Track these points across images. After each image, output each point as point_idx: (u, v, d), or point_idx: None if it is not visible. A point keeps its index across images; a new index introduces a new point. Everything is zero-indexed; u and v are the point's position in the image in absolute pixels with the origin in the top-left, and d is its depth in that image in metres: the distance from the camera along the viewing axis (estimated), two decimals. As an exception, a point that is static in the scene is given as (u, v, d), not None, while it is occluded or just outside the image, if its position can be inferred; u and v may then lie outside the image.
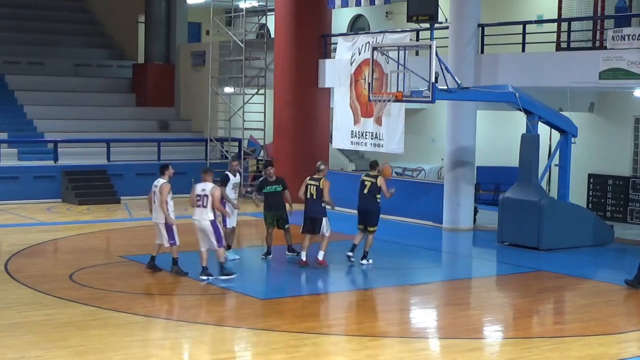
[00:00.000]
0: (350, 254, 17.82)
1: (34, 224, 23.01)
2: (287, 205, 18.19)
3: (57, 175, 27.55)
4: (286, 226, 18.31)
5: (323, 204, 17.50)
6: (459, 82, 19.60)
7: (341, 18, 33.16)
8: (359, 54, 25.16)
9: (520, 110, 20.23)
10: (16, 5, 36.38)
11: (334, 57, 26.66)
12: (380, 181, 17.67)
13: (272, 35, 29.54)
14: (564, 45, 23.03)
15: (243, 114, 29.79)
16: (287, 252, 18.51)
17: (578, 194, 23.77)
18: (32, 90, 31.73)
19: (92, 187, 27.32)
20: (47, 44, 34.83)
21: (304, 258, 17.40)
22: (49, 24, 36.15)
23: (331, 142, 27.42)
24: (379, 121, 24.29)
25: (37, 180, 27.33)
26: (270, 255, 18.42)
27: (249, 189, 29.48)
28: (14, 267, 17.05)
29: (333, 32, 28.26)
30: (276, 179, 18.35)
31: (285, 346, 12.04)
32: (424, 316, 14.68)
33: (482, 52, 22.81)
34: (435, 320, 14.34)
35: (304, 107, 26.98)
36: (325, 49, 27.29)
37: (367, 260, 17.67)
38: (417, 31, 23.45)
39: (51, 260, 18.63)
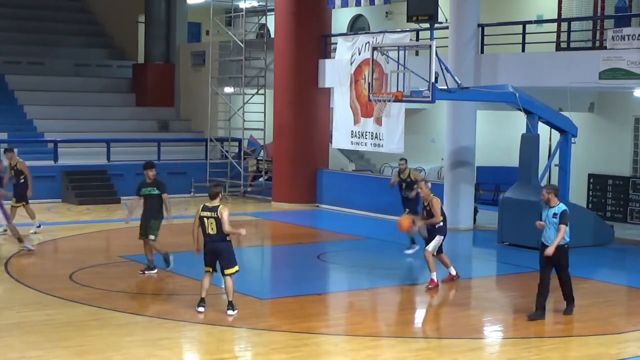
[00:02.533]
0: (201, 309, 13.76)
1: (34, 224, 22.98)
2: (164, 212, 16.49)
3: (57, 175, 27.55)
4: (150, 237, 16.41)
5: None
6: (459, 82, 19.61)
7: (341, 18, 33.17)
8: (359, 54, 25.18)
9: (520, 110, 20.24)
10: (16, 5, 36.38)
11: (334, 57, 26.67)
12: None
13: (272, 35, 29.55)
14: (563, 45, 23.07)
15: (243, 114, 29.80)
16: (144, 271, 16.60)
17: (578, 194, 23.78)
18: (32, 90, 31.72)
19: (92, 187, 27.33)
20: (47, 44, 34.83)
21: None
22: (49, 23, 36.15)
23: (331, 142, 27.44)
24: (378, 121, 24.30)
25: (37, 180, 27.20)
26: (155, 271, 16.53)
27: (249, 189, 29.58)
28: (14, 267, 17.06)
29: (333, 32, 28.27)
30: (153, 181, 16.56)
31: (285, 346, 12.05)
32: (423, 316, 14.69)
33: (482, 52, 22.82)
34: (435, 320, 14.35)
35: (304, 107, 26.99)
36: (325, 49, 27.30)
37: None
38: (417, 31, 23.45)
39: (51, 260, 18.64)
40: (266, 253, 21.16)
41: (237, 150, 30.84)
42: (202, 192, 28.84)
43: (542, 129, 21.09)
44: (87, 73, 34.40)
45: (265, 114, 29.85)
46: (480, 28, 22.72)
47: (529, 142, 20.43)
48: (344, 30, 32.88)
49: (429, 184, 16.30)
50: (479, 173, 25.16)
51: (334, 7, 26.16)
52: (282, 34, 27.33)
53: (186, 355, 12.08)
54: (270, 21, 30.38)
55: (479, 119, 23.42)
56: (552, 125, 21.42)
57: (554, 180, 21.66)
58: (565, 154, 20.90)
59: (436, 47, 18.45)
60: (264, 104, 29.87)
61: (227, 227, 13.44)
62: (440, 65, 19.08)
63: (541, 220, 13.66)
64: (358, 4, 25.43)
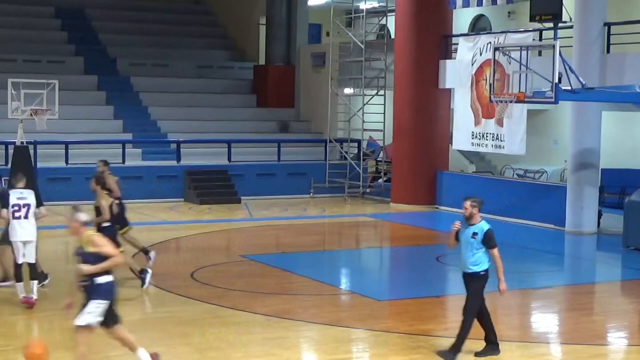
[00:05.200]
0: None
1: (157, 223, 23.48)
2: None
3: (180, 175, 28.03)
4: None
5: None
6: (584, 82, 19.16)
7: (462, 18, 32.82)
8: (480, 54, 24.85)
9: (648, 111, 19.66)
10: (141, 8, 37.19)
11: (455, 58, 26.41)
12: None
13: (392, 36, 29.44)
14: (694, 43, 22.29)
15: (362, 114, 29.78)
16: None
17: None
18: (156, 92, 32.36)
19: (213, 187, 27.70)
20: (171, 47, 35.48)
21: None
22: (173, 26, 36.83)
23: (451, 143, 27.18)
24: (500, 122, 23.96)
25: (160, 180, 27.87)
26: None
27: (368, 190, 29.53)
28: (137, 265, 17.37)
29: (454, 32, 28.00)
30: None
31: (402, 348, 11.96)
32: (545, 321, 14.40)
33: (608, 51, 22.25)
34: (556, 325, 14.05)
35: (424, 108, 26.80)
36: (446, 50, 27.06)
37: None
38: (540, 31, 23.03)
39: (173, 259, 18.94)
40: (385, 254, 21.08)
41: (356, 151, 30.84)
42: (321, 193, 29.00)
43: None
44: (209, 74, 34.91)
45: (385, 115, 29.76)
46: (606, 27, 22.16)
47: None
48: (466, 31, 32.51)
49: None
50: (604, 175, 24.54)
51: (455, 8, 25.89)
52: (403, 34, 27.21)
53: (304, 355, 12.11)
54: (391, 22, 30.25)
55: (604, 120, 22.85)
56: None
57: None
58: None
59: (560, 47, 18.08)
60: (384, 104, 29.78)
61: None
62: (564, 66, 18.68)
63: (457, 239, 11.47)
64: (480, 3, 25.10)
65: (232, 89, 34.28)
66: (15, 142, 24.44)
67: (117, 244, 14.62)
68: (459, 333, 11.33)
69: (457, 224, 11.41)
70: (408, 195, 26.86)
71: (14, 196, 14.24)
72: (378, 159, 31.50)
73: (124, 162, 27.62)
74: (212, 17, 38.63)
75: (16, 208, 14.15)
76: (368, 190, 29.61)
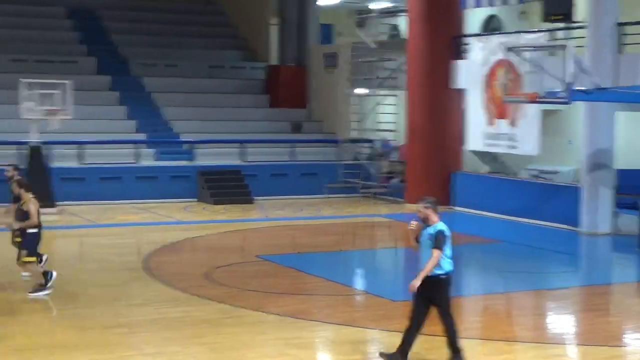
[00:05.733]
0: None
1: (172, 223, 23.52)
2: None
3: (193, 175, 28.07)
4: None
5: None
6: (597, 82, 19.10)
7: (474, 18, 32.75)
8: (493, 54, 24.80)
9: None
10: (153, 9, 37.24)
11: (467, 58, 26.37)
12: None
13: (404, 37, 29.42)
14: None
15: (375, 115, 29.76)
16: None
17: None
18: (168, 92, 32.39)
19: (226, 187, 27.72)
20: (183, 47, 35.51)
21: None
22: (185, 27, 36.84)
23: (464, 144, 27.14)
24: (513, 122, 23.92)
25: (174, 180, 27.92)
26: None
27: (380, 191, 29.49)
28: (153, 264, 17.43)
29: (466, 32, 27.96)
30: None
31: (419, 350, 11.92)
32: (560, 322, 14.36)
33: (622, 51, 22.18)
34: (572, 326, 14.01)
35: (437, 108, 26.76)
36: (458, 50, 27.02)
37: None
38: (553, 31, 22.97)
39: (187, 259, 18.97)
40: (399, 255, 21.06)
41: (369, 152, 30.82)
42: (334, 193, 28.98)
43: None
44: (220, 75, 34.91)
45: (398, 116, 29.73)
46: (619, 27, 22.09)
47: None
48: (477, 31, 32.45)
49: None
50: (619, 176, 24.44)
51: (466, 8, 25.86)
52: (415, 35, 27.17)
53: (318, 355, 12.10)
54: (403, 22, 30.24)
55: (620, 120, 22.78)
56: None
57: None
58: None
59: (573, 47, 18.02)
60: (397, 105, 29.75)
61: None
62: (577, 66, 18.62)
63: (417, 241, 11.08)
64: (491, 3, 25.09)
65: (244, 89, 34.28)
66: (29, 142, 24.54)
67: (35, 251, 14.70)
68: (447, 338, 11.07)
69: (413, 224, 11.02)
70: (422, 195, 26.68)
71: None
72: (391, 160, 31.46)
73: (137, 162, 27.71)
74: (223, 17, 38.63)
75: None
76: (381, 190, 29.59)
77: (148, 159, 28.52)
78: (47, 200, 24.09)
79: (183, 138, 29.71)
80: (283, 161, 29.63)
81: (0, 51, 31.43)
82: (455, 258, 18.53)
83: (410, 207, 26.70)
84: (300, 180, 29.20)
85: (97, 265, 17.68)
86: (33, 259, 14.64)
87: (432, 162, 26.67)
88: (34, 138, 24.55)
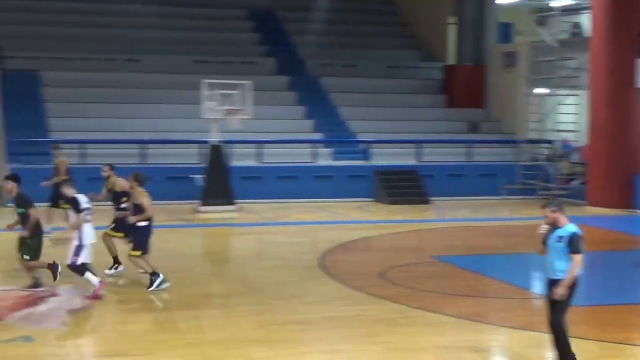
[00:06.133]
0: None
1: (348, 222, 23.61)
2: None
3: (369, 175, 28.13)
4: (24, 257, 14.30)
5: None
6: None
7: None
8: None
9: None
10: (331, 10, 37.53)
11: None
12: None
13: (586, 35, 28.57)
14: None
15: (555, 115, 29.03)
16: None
17: None
18: (345, 92, 32.59)
19: (402, 187, 27.65)
20: (360, 47, 35.66)
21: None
22: (362, 27, 37.01)
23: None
24: None
25: (350, 180, 28.07)
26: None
27: (560, 193, 28.72)
28: (329, 263, 17.51)
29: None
30: (16, 196, 14.30)
31: (597, 356, 11.55)
32: None
33: None
34: None
35: (621, 108, 25.91)
36: (643, 47, 26.06)
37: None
38: None
39: (362, 258, 18.97)
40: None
41: (548, 153, 30.11)
42: (511, 194, 28.47)
43: None
44: (397, 75, 34.87)
45: (578, 116, 28.91)
46: None
47: None
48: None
49: None
50: None
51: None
52: (598, 32, 26.38)
53: (494, 359, 11.84)
54: (585, 20, 29.39)
55: None
56: None
57: None
58: None
59: None
60: (578, 105, 28.93)
61: None
62: None
63: (545, 244, 10.57)
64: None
65: (420, 89, 34.13)
66: (210, 141, 25.16)
67: (145, 246, 14.70)
68: (555, 341, 10.49)
69: (544, 227, 10.55)
70: (604, 198, 26.01)
71: (83, 200, 14.21)
72: (572, 161, 30.62)
73: (314, 161, 28.02)
74: (400, 17, 38.59)
75: (87, 212, 14.15)
76: (561, 192, 28.83)
77: (325, 159, 28.77)
78: (226, 198, 24.72)
79: (360, 138, 29.82)
80: (459, 161, 29.32)
81: (183, 53, 32.43)
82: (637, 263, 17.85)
83: (591, 210, 25.97)
84: (477, 180, 28.83)
85: (274, 262, 17.93)
86: (138, 253, 14.72)
87: (615, 164, 25.82)
88: (214, 137, 25.16)
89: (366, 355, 11.46)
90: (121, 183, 15.88)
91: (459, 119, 32.46)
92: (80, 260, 13.93)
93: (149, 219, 14.75)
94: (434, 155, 29.30)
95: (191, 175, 25.61)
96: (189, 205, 25.03)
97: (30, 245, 14.11)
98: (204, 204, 24.76)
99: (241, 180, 26.50)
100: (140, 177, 14.90)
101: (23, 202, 14.07)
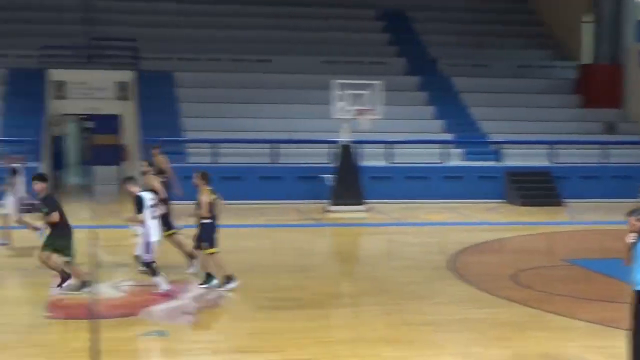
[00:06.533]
0: None
1: (477, 223, 23.34)
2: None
3: (500, 175, 27.75)
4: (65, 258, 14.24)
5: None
6: None
7: None
8: None
9: None
10: (462, 9, 37.21)
11: None
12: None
13: None
14: None
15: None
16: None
17: None
18: (476, 92, 32.25)
19: (535, 188, 27.19)
20: (491, 47, 35.23)
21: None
22: (493, 26, 36.57)
23: None
24: None
25: (480, 180, 27.74)
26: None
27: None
28: (459, 264, 17.33)
29: None
30: (44, 197, 14.12)
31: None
32: None
33: None
34: None
35: None
36: None
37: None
38: None
39: (493, 260, 18.69)
40: None
41: None
42: (649, 197, 27.63)
43: None
44: (529, 74, 34.32)
45: None
46: None
47: None
48: None
49: None
50: None
51: None
52: None
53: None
54: None
55: None
56: None
57: None
58: None
59: None
60: None
61: None
62: None
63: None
64: None
65: (552, 89, 33.50)
66: (340, 141, 25.23)
67: (211, 242, 14.61)
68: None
69: (631, 237, 9.84)
70: None
71: (149, 197, 14.20)
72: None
73: (444, 162, 27.80)
74: (533, 16, 37.97)
75: (154, 209, 14.16)
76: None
77: (455, 159, 28.52)
78: (356, 198, 24.75)
79: (491, 138, 29.44)
80: (594, 163, 28.62)
81: (313, 53, 32.64)
82: None
83: None
84: (613, 182, 28.12)
85: (403, 262, 17.85)
86: (214, 250, 14.68)
87: None
88: (344, 137, 25.22)
89: (493, 359, 11.25)
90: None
91: (594, 119, 31.70)
92: (149, 258, 14.10)
93: (210, 217, 14.74)
94: (567, 157, 28.71)
95: (321, 175, 25.75)
96: (318, 205, 25.16)
97: (65, 245, 13.97)
98: (334, 204, 24.85)
99: (370, 180, 26.51)
100: (206, 175, 15.04)
101: (49, 204, 13.99)
